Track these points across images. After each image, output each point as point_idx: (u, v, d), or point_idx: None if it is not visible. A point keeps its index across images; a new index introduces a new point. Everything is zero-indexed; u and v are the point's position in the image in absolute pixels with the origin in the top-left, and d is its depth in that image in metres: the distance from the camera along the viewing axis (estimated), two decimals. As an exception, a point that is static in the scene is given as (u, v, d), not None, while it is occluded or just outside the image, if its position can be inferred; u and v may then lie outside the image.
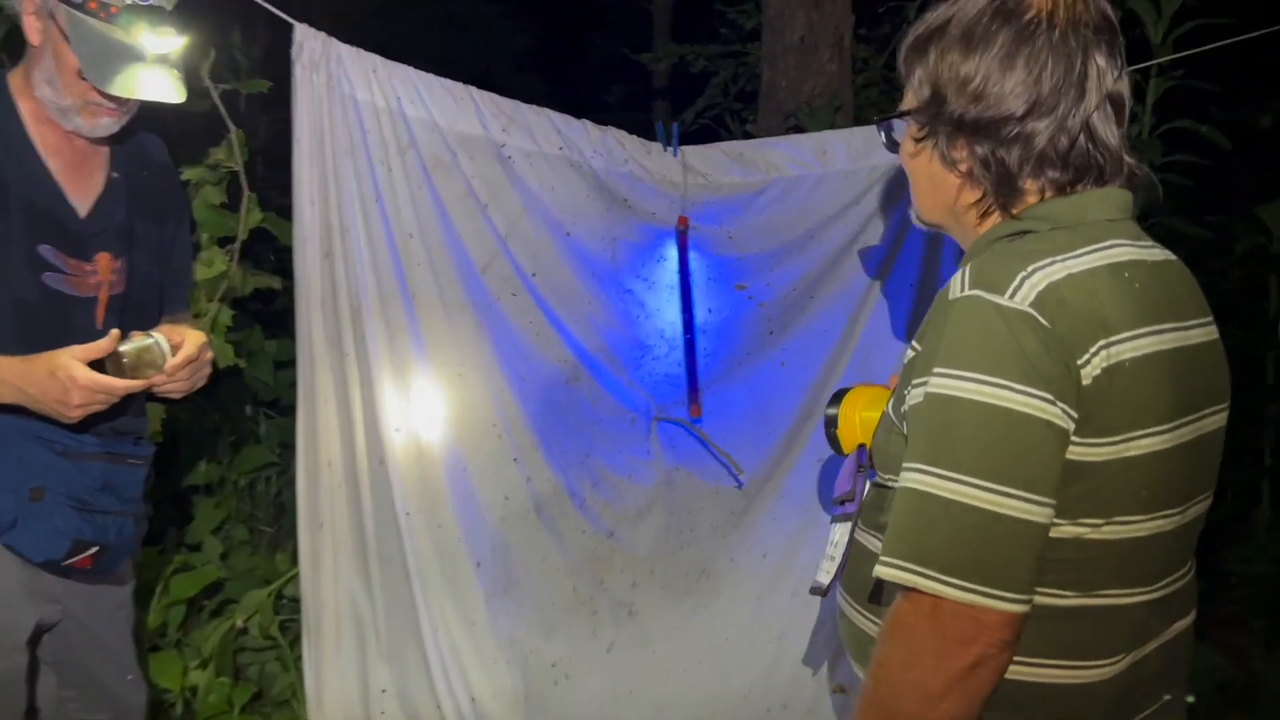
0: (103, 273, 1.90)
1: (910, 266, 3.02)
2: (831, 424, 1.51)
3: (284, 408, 3.77)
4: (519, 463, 2.70)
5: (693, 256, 2.84)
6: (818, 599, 2.91)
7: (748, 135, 5.30)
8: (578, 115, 2.78)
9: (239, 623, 2.80)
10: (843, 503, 1.37)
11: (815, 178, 2.96)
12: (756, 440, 2.96)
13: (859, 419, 1.47)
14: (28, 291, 1.81)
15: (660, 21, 10.73)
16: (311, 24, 2.37)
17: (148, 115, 1.99)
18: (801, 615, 2.90)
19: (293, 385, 2.53)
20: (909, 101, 1.32)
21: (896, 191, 3.01)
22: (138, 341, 1.77)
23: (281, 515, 3.71)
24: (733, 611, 2.89)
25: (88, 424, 1.83)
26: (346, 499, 2.53)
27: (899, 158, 1.38)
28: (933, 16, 1.28)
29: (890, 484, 1.27)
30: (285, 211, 2.73)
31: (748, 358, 2.97)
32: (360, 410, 2.51)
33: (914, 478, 1.14)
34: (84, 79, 1.76)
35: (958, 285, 1.18)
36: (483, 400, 2.66)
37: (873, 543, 1.32)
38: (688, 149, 2.84)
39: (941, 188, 1.30)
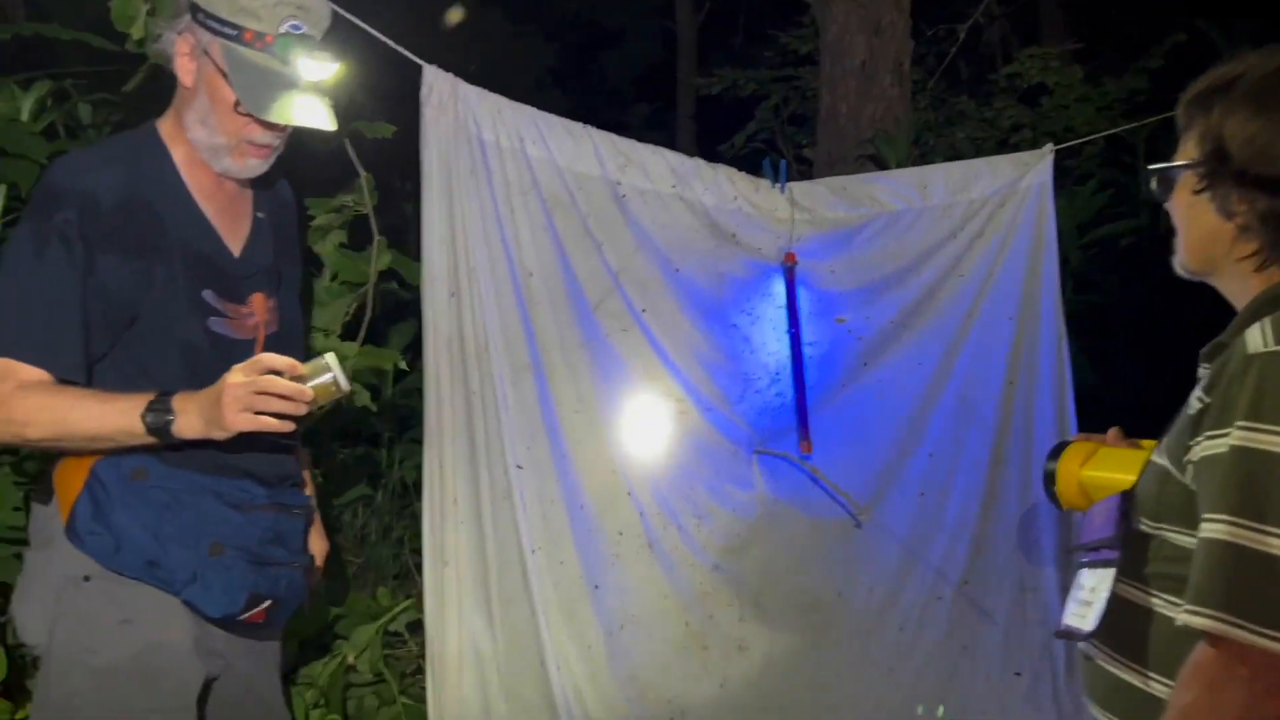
0: (259, 313, 1.91)
1: (1008, 299, 3.04)
2: (1050, 480, 1.53)
3: (367, 438, 3.78)
4: (633, 497, 2.71)
5: (799, 291, 2.86)
6: (925, 635, 2.95)
7: (803, 160, 5.35)
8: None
9: (350, 659, 2.80)
10: (1096, 549, 1.39)
11: (915, 212, 2.99)
12: (856, 473, 2.96)
13: (1083, 477, 1.49)
14: (194, 336, 1.81)
15: (685, 41, 10.77)
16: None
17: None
18: (911, 650, 2.91)
19: (381, 414, 2.54)
20: (1189, 153, 1.35)
21: (994, 224, 3.03)
22: (316, 361, 1.69)
23: (364, 545, 3.72)
24: (842, 647, 2.89)
25: (255, 471, 1.83)
26: (469, 536, 2.54)
27: (1168, 200, 1.39)
28: (1217, 73, 1.32)
29: (1161, 533, 1.29)
30: (400, 246, 2.75)
31: (845, 391, 2.98)
32: (484, 446, 2.52)
33: (1220, 529, 1.17)
34: (240, 112, 1.76)
35: (1258, 339, 1.21)
36: (598, 435, 2.68)
37: (1132, 593, 1.34)
38: (795, 185, 2.86)
39: (1215, 239, 1.34)
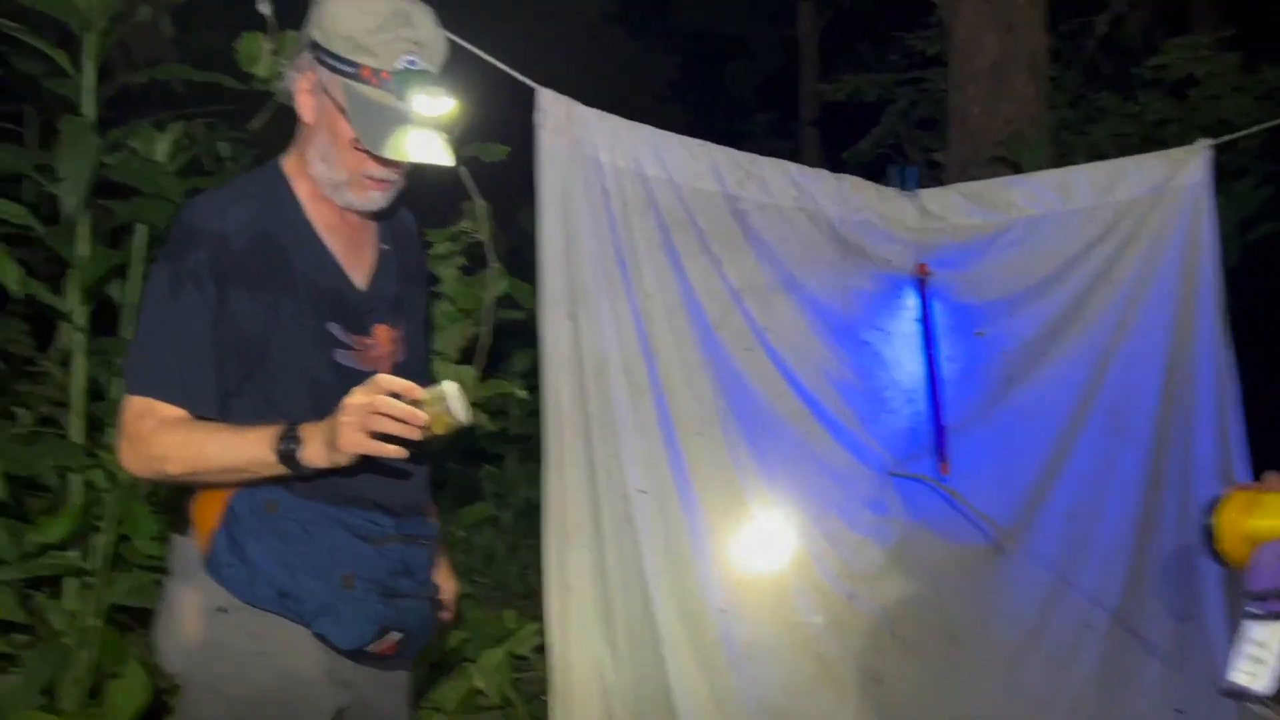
0: (383, 344, 1.91)
1: (1163, 307, 2.83)
2: (1210, 536, 1.44)
3: (491, 458, 3.80)
4: (760, 522, 2.63)
5: (933, 304, 2.73)
6: (1075, 668, 2.76)
7: (933, 164, 5.15)
8: (721, 144, 2.69)
9: (478, 684, 2.80)
10: (1264, 598, 1.25)
11: (1058, 216, 2.81)
12: (999, 496, 2.81)
13: (1251, 528, 1.37)
14: (320, 371, 1.82)
15: (807, 48, 10.61)
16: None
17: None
18: (1060, 684, 2.72)
19: (504, 435, 2.52)
20: None
21: (1145, 226, 2.83)
22: (434, 389, 1.64)
23: (492, 564, 3.73)
24: (984, 680, 2.73)
25: (383, 501, 1.82)
26: (591, 562, 2.50)
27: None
28: None
29: None
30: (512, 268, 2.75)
31: (987, 408, 2.83)
32: (604, 471, 2.48)
33: None
34: (358, 148, 1.77)
35: None
36: (721, 459, 2.60)
37: None
38: (925, 192, 2.74)
39: None
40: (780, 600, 2.62)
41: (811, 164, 2.76)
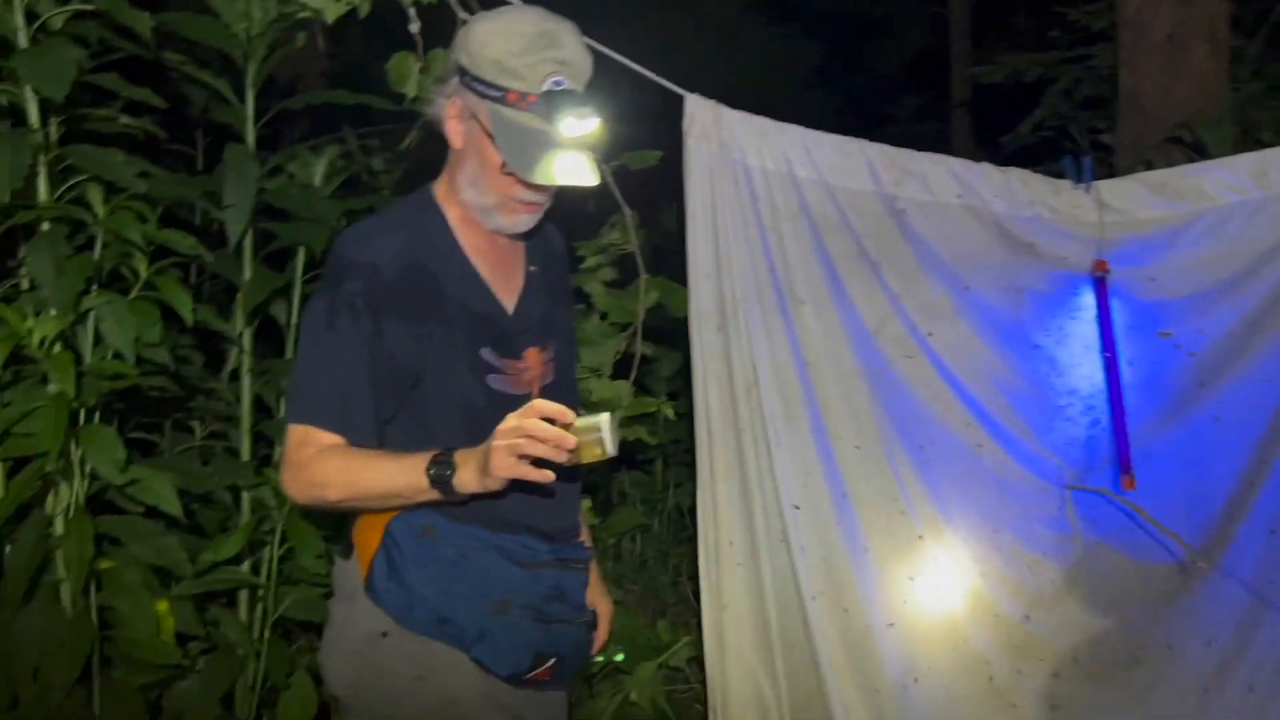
0: (534, 367, 1.90)
1: (1374, 301, 2.54)
2: None
3: (640, 462, 3.76)
4: (924, 540, 2.49)
5: (1113, 304, 2.52)
6: (1277, 698, 2.51)
7: (1100, 147, 4.82)
8: (868, 131, 2.57)
9: (633, 696, 2.77)
10: None
11: (1253, 204, 2.56)
12: (1190, 509, 2.58)
13: None
14: (474, 396, 1.82)
15: (958, 26, 10.17)
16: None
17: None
18: (1262, 713, 2.48)
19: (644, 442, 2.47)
20: None
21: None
22: (586, 419, 1.61)
23: (643, 570, 3.71)
24: (1172, 707, 2.51)
25: (537, 525, 1.81)
26: (746, 579, 2.43)
27: None
28: None
29: None
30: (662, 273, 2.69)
31: (1175, 415, 2.60)
32: (758, 486, 2.40)
33: None
34: (507, 173, 1.75)
35: None
36: (882, 473, 2.49)
37: None
38: (1102, 184, 2.53)
39: None
40: (948, 622, 2.49)
41: (964, 149, 2.61)
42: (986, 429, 2.54)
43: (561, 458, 1.59)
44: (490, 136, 1.73)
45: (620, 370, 2.55)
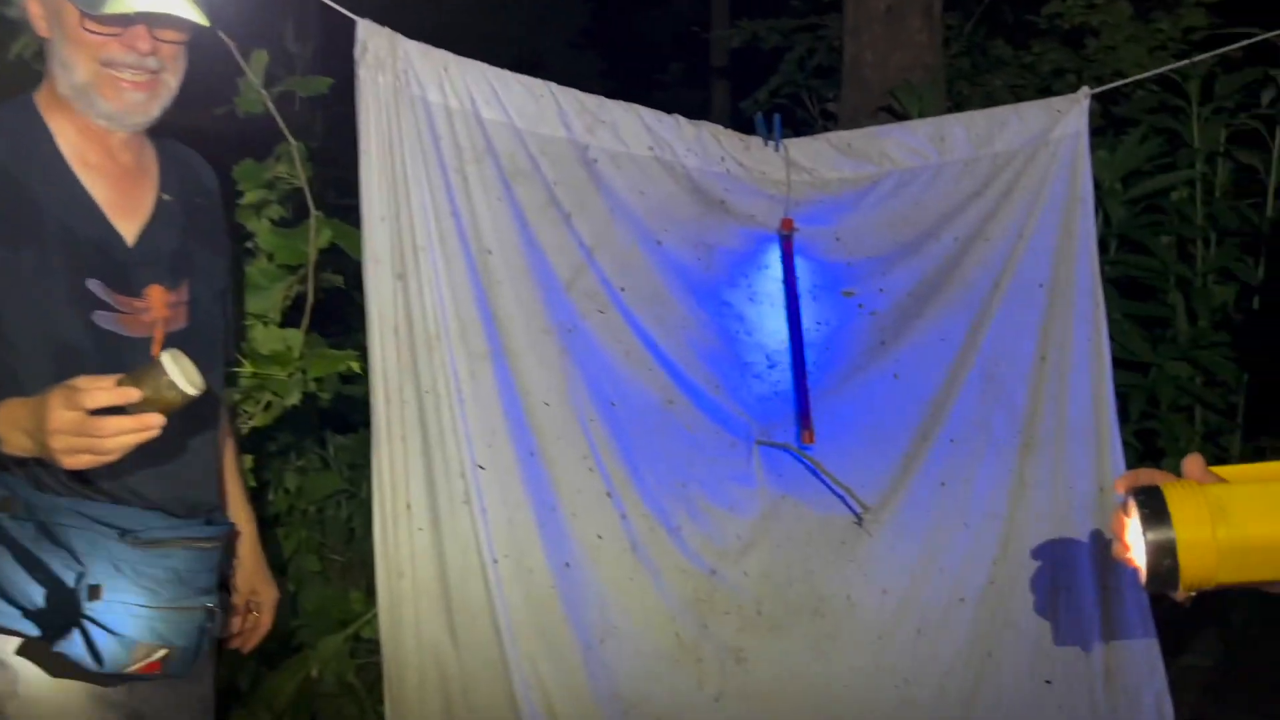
0: (156, 308, 1.68)
1: (1039, 264, 2.71)
2: (1167, 553, 1.00)
3: (350, 425, 3.55)
4: (613, 497, 2.45)
5: (798, 263, 2.55)
6: (946, 641, 2.66)
7: (828, 115, 4.98)
8: (634, 95, 2.52)
9: (314, 673, 2.59)
10: None
11: (933, 168, 2.66)
12: (869, 464, 2.67)
13: (1253, 535, 1.00)
14: (73, 334, 1.59)
15: (717, -7, 10.32)
16: (356, 9, 2.12)
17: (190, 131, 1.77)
18: (930, 658, 2.62)
19: (359, 401, 2.31)
20: None
21: (1024, 180, 2.69)
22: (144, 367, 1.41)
23: (351, 540, 3.50)
24: (851, 655, 2.61)
25: (151, 496, 1.61)
26: (428, 544, 2.30)
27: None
28: None
29: None
30: (342, 214, 2.50)
31: (856, 372, 2.68)
32: (439, 445, 2.27)
33: None
34: (87, 28, 1.56)
35: None
36: (571, 431, 2.41)
37: None
38: (791, 142, 2.55)
39: None
40: (634, 580, 2.45)
41: (720, 115, 2.57)
42: (678, 385, 2.52)
43: (153, 426, 1.39)
44: None
45: (291, 319, 2.34)
